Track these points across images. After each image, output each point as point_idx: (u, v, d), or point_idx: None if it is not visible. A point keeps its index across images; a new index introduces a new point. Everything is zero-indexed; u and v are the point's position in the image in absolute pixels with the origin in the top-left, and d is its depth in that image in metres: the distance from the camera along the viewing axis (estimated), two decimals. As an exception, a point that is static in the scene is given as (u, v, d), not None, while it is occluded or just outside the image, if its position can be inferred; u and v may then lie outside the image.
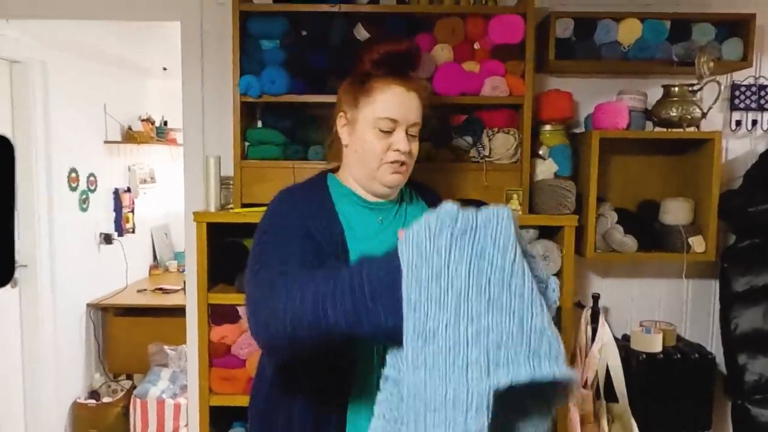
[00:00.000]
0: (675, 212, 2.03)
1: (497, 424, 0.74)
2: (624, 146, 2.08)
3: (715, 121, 2.15)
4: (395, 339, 0.78)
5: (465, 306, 0.75)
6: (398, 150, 1.17)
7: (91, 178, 3.35)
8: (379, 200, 1.23)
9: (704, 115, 1.96)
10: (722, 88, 1.97)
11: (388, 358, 0.82)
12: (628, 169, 2.14)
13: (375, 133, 1.17)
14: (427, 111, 1.24)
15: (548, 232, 1.96)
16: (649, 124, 2.05)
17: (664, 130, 2.00)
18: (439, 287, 0.75)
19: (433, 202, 1.30)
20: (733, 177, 2.17)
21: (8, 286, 2.74)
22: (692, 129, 1.98)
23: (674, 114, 1.95)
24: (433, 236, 0.77)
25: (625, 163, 2.13)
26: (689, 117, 1.94)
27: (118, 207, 3.63)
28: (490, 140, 1.93)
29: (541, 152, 2.02)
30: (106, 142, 3.48)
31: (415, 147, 1.21)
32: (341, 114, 1.24)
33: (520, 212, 1.90)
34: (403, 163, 1.19)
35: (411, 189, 1.32)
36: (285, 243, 1.07)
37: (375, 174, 1.19)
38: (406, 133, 1.19)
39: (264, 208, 1.84)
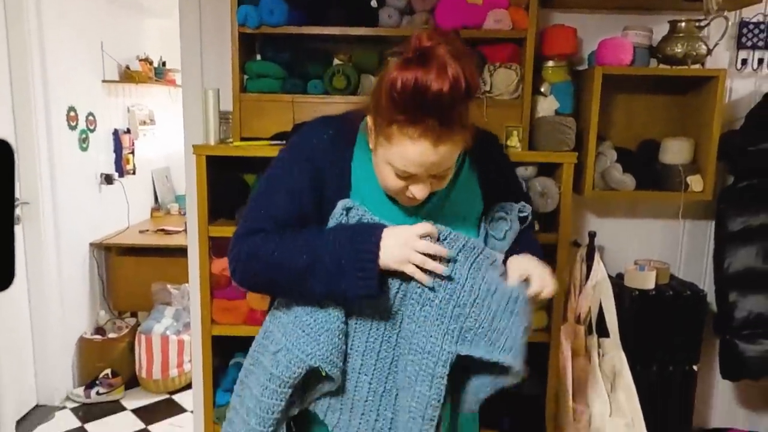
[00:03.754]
0: (675, 151, 2.03)
1: (458, 376, 1.10)
2: (627, 84, 2.06)
3: (720, 59, 2.11)
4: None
5: (456, 294, 1.03)
6: (414, 196, 1.02)
7: (90, 118, 3.33)
8: None
9: (710, 51, 1.93)
10: (729, 24, 1.92)
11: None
12: (630, 108, 2.12)
13: (390, 171, 1.01)
14: (471, 140, 1.01)
15: (547, 169, 1.96)
16: (653, 62, 2.02)
17: (669, 67, 1.97)
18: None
19: (489, 155, 1.17)
20: (735, 118, 2.16)
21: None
22: (697, 66, 1.95)
23: (679, 50, 1.92)
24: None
25: (627, 102, 2.11)
26: (694, 53, 1.91)
27: (118, 148, 3.63)
28: (491, 75, 1.91)
29: (542, 89, 2.00)
30: (104, 81, 3.44)
31: (441, 182, 1.03)
32: (368, 114, 1.04)
33: (520, 149, 1.90)
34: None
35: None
36: (278, 195, 1.10)
37: (390, 194, 1.07)
38: (432, 175, 1.00)
39: (263, 142, 1.87)
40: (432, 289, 1.04)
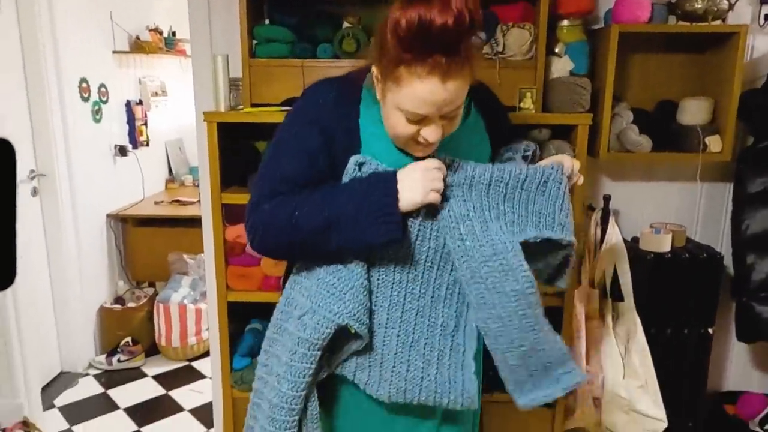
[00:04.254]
0: (693, 111, 1.98)
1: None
2: (645, 43, 2.00)
3: (742, 15, 2.04)
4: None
5: (486, 199, 1.09)
6: (426, 140, 1.01)
7: (102, 89, 3.34)
8: None
9: (731, 6, 1.87)
10: (753, -24, 1.86)
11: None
12: (647, 67, 2.07)
13: (401, 117, 1.00)
14: (475, 76, 1.01)
15: (561, 132, 1.93)
16: (672, 19, 1.96)
17: (688, 24, 1.91)
18: (461, 190, 1.08)
19: (487, 104, 1.19)
20: (757, 76, 2.09)
21: (29, 195, 2.82)
22: (717, 22, 1.89)
23: (699, 6, 1.85)
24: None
25: (644, 61, 2.06)
26: (715, 9, 1.85)
27: (131, 119, 3.64)
28: (504, 36, 1.87)
29: (557, 49, 1.95)
30: (114, 52, 3.43)
31: (452, 124, 1.02)
32: (374, 64, 1.03)
33: (533, 111, 1.87)
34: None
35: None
36: (288, 158, 1.09)
37: (401, 145, 1.07)
38: (443, 116, 0.99)
39: (274, 108, 1.85)
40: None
